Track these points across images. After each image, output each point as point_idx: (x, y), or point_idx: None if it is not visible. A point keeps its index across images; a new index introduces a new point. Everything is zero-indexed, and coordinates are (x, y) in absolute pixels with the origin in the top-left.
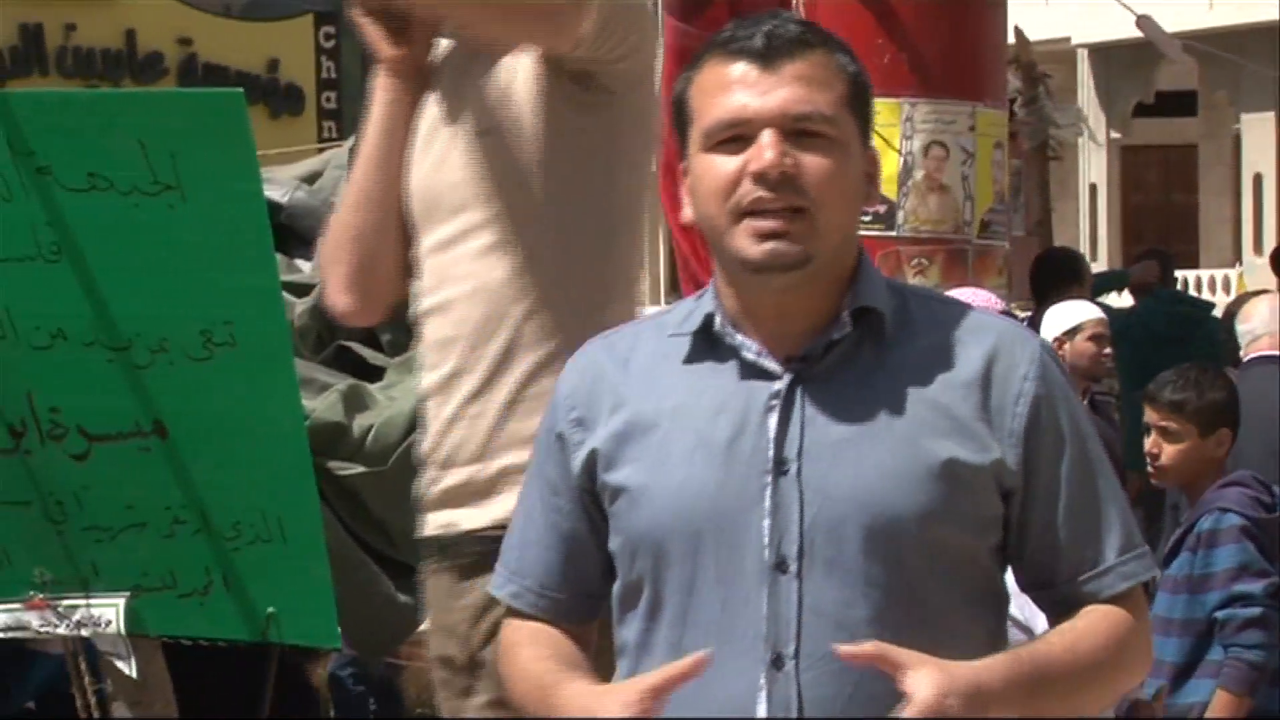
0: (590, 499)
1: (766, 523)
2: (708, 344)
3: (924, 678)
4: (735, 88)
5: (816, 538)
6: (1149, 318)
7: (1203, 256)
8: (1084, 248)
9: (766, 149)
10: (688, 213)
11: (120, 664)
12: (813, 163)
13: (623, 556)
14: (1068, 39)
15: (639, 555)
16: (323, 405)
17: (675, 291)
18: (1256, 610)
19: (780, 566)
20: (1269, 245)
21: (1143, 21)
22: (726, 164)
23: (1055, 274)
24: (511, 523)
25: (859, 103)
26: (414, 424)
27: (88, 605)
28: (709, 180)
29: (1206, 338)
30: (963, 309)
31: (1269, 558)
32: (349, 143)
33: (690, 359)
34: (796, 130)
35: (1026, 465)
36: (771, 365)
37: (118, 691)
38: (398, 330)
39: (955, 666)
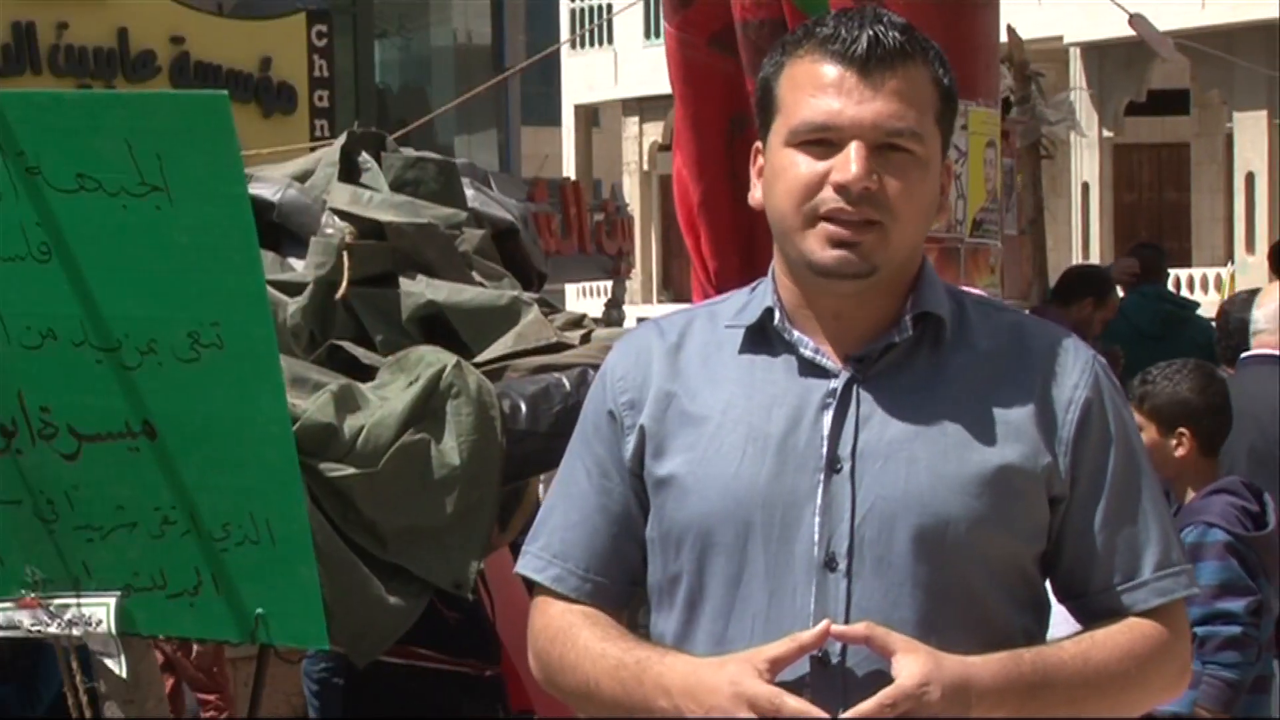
0: (640, 483)
1: (817, 520)
2: (763, 338)
3: (910, 662)
4: (830, 91)
5: (866, 537)
6: (1134, 315)
7: (1195, 255)
8: (1076, 246)
9: (853, 163)
10: (757, 195)
11: (110, 663)
12: (894, 181)
13: (665, 546)
14: (1060, 38)
15: (684, 545)
16: (314, 406)
17: (667, 290)
18: (1236, 629)
19: (829, 564)
20: (1261, 243)
21: (1135, 20)
22: (810, 166)
23: (1073, 285)
24: (548, 505)
25: (946, 116)
26: (406, 425)
27: (79, 604)
28: (788, 178)
29: (1190, 337)
30: (1018, 317)
31: (1253, 574)
32: (341, 140)
33: (744, 351)
34: (884, 144)
35: (1073, 472)
36: (829, 363)
37: (110, 691)
38: (391, 330)
39: (945, 657)
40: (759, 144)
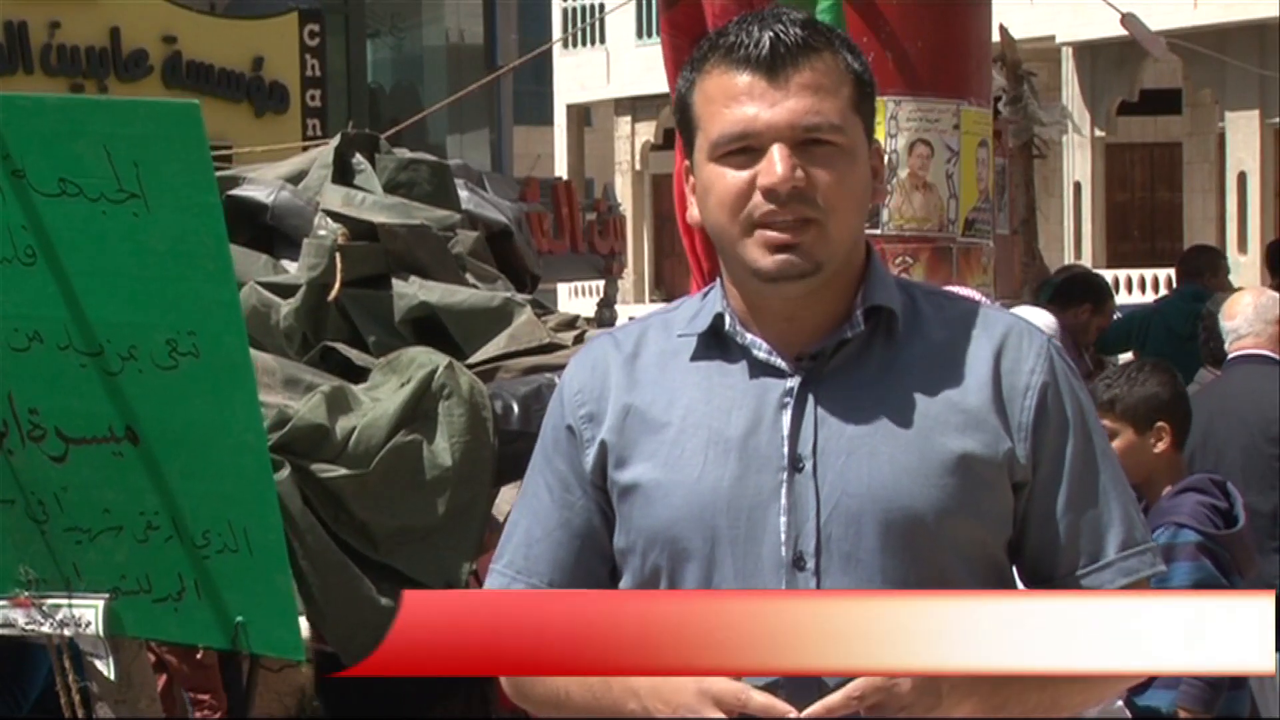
0: (602, 495)
1: (783, 520)
2: (717, 343)
3: None
4: (742, 99)
5: (833, 534)
6: (1169, 315)
7: None
8: (1068, 245)
9: (777, 164)
10: (694, 214)
11: (100, 665)
12: (822, 174)
13: (634, 555)
14: (1052, 37)
15: (653, 553)
16: (306, 407)
17: (659, 289)
18: None
19: (798, 563)
20: (1253, 243)
21: (1127, 19)
22: (735, 177)
23: (1073, 289)
24: (512, 521)
25: (864, 101)
26: (398, 426)
27: (70, 605)
28: (718, 192)
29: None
30: (971, 305)
31: (1226, 572)
32: (334, 140)
33: (699, 358)
34: (805, 140)
35: (1034, 457)
36: (782, 363)
37: (102, 690)
38: (383, 331)
39: None
40: (688, 162)
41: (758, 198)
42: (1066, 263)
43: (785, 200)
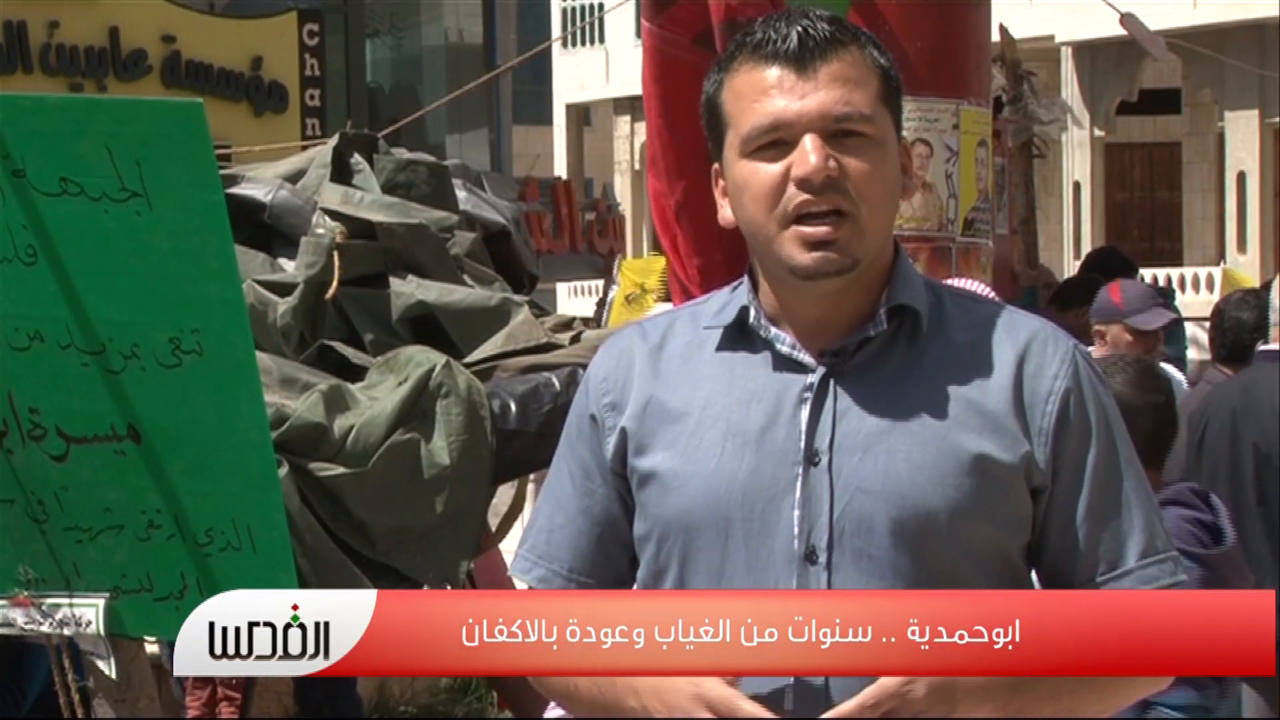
0: (623, 483)
1: (797, 513)
2: (742, 336)
3: None
4: (772, 93)
5: (846, 529)
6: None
7: (1186, 254)
8: (1067, 245)
9: (810, 154)
10: (727, 214)
11: (100, 664)
12: (855, 164)
13: (650, 542)
14: (1051, 37)
15: (667, 541)
16: (304, 406)
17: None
18: None
19: (810, 557)
20: (1252, 243)
21: (1126, 19)
22: (769, 170)
23: (1074, 291)
24: (536, 507)
25: (892, 96)
26: (395, 424)
27: (70, 604)
28: (753, 188)
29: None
30: (997, 308)
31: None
32: (333, 140)
33: (723, 349)
34: (836, 131)
35: (1054, 463)
36: (805, 358)
37: (101, 689)
38: (380, 330)
39: None
40: (716, 165)
41: (792, 189)
42: (1066, 263)
43: (820, 190)
